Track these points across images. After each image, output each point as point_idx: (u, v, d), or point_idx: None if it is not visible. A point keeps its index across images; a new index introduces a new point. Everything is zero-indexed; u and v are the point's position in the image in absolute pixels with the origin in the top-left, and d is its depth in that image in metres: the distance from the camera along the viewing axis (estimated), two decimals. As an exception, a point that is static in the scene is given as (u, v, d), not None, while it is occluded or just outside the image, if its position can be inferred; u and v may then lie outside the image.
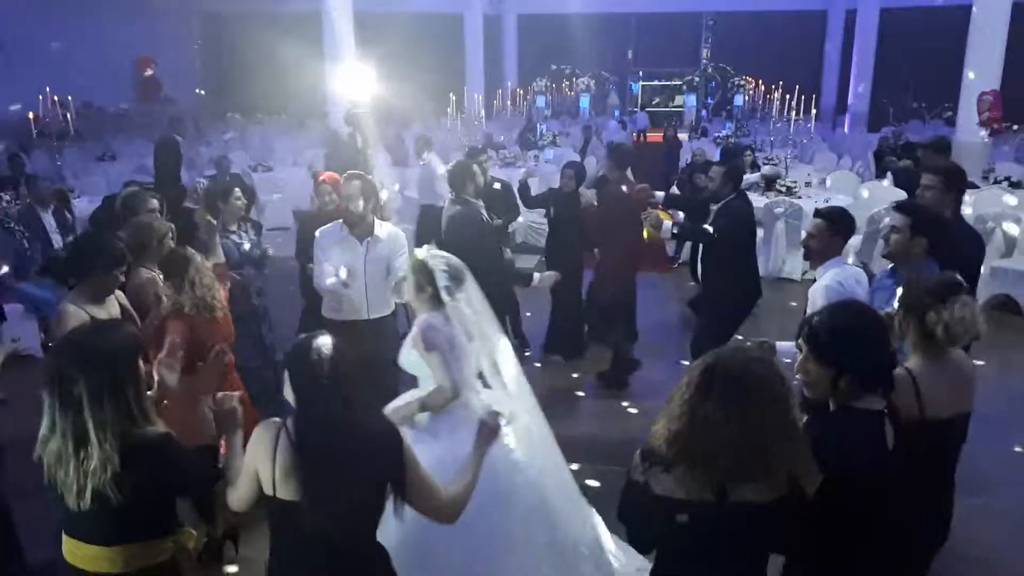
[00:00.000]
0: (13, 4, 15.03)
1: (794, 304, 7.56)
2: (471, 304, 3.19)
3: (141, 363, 2.30)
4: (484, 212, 5.22)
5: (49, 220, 7.26)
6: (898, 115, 18.73)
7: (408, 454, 2.22)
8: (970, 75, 10.51)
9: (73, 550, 2.28)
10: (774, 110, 14.26)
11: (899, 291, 3.20)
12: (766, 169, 10.05)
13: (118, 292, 3.67)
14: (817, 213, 4.08)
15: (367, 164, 6.26)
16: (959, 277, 2.92)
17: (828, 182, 10.82)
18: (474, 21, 18.73)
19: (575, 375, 6.29)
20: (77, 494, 2.14)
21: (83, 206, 8.43)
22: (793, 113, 12.10)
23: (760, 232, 9.32)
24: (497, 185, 6.71)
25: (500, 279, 4.88)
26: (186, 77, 20.36)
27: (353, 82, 5.98)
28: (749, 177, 8.64)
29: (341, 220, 4.51)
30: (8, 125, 13.23)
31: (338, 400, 2.13)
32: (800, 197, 9.32)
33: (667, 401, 2.06)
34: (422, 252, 3.23)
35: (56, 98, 11.82)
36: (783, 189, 9.40)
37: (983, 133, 10.32)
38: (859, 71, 18.73)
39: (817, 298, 3.84)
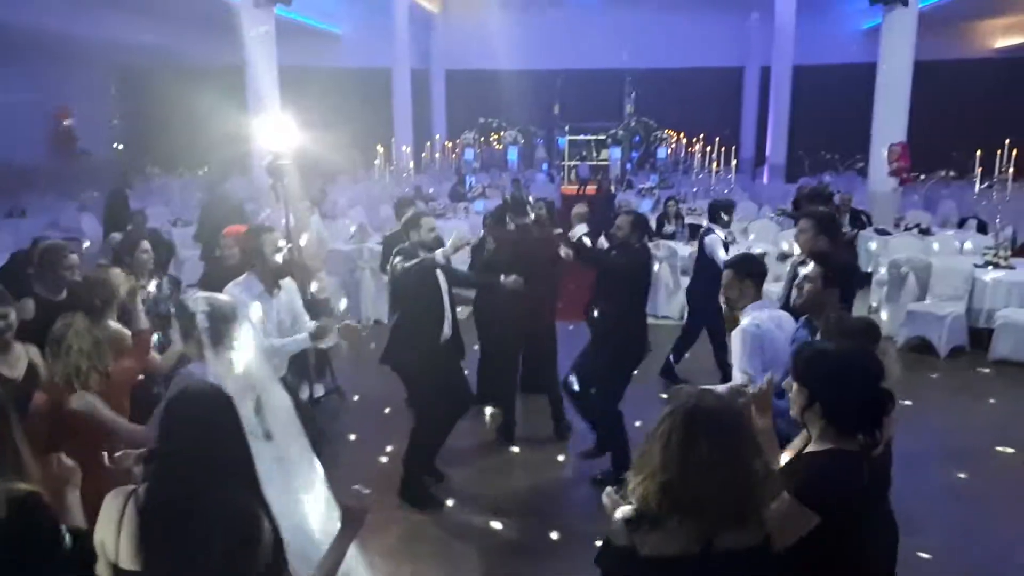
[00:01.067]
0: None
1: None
2: (240, 350, 2.90)
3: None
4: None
5: None
6: (813, 166, 19.53)
7: (265, 548, 1.99)
8: (878, 128, 11.04)
9: None
10: (696, 162, 14.68)
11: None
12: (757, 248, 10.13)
13: (32, 349, 3.46)
14: (725, 265, 4.33)
15: (299, 216, 6.10)
16: (873, 320, 3.00)
17: (750, 232, 11.10)
18: (402, 76, 18.82)
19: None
20: None
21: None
22: (714, 165, 12.45)
23: (686, 280, 9.49)
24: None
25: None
26: (102, 130, 19.81)
27: (275, 133, 5.82)
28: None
29: (251, 274, 4.40)
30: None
31: (200, 469, 1.95)
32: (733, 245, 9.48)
33: (640, 455, 2.04)
34: (189, 296, 3.07)
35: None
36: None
37: (893, 182, 10.78)
38: (775, 125, 19.50)
39: (735, 341, 3.99)
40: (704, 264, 7.10)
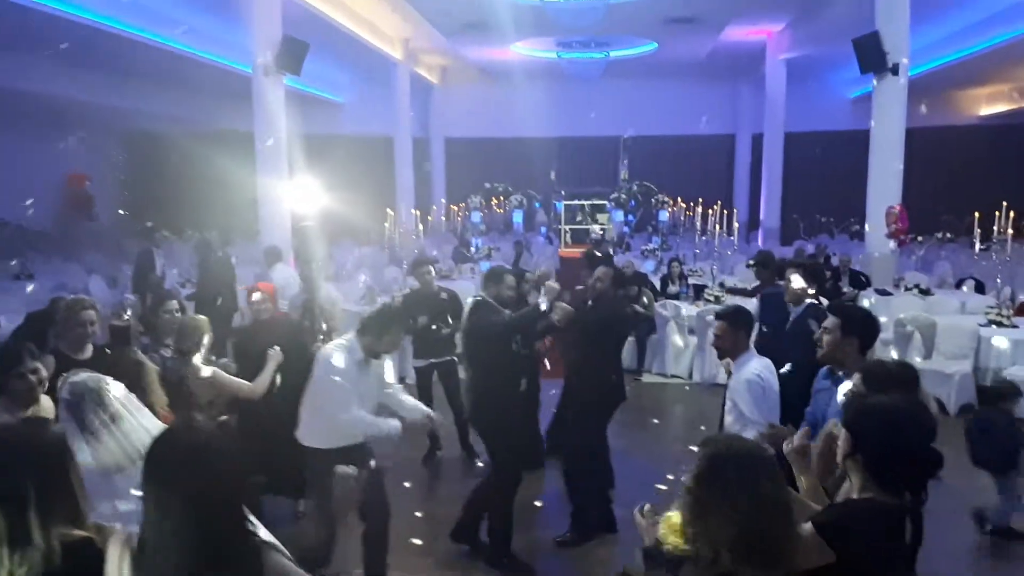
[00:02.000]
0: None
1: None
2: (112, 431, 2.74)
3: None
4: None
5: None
6: (809, 229, 19.91)
7: None
8: (873, 192, 11.32)
9: None
10: (696, 225, 14.95)
11: (841, 389, 3.33)
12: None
13: (46, 402, 3.50)
14: (718, 316, 4.52)
15: (311, 279, 6.20)
16: (911, 365, 3.06)
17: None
18: (404, 143, 19.30)
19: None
20: None
21: (2, 323, 8.03)
22: (717, 227, 12.72)
23: (694, 339, 9.60)
24: (444, 295, 6.76)
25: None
26: (109, 195, 20.05)
27: (300, 197, 5.99)
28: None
29: (350, 341, 4.27)
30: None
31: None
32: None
33: (678, 499, 2.08)
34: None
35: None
36: (711, 299, 9.72)
37: (891, 244, 11.00)
38: (768, 189, 19.94)
39: (742, 391, 4.18)
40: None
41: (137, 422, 2.79)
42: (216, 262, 9.87)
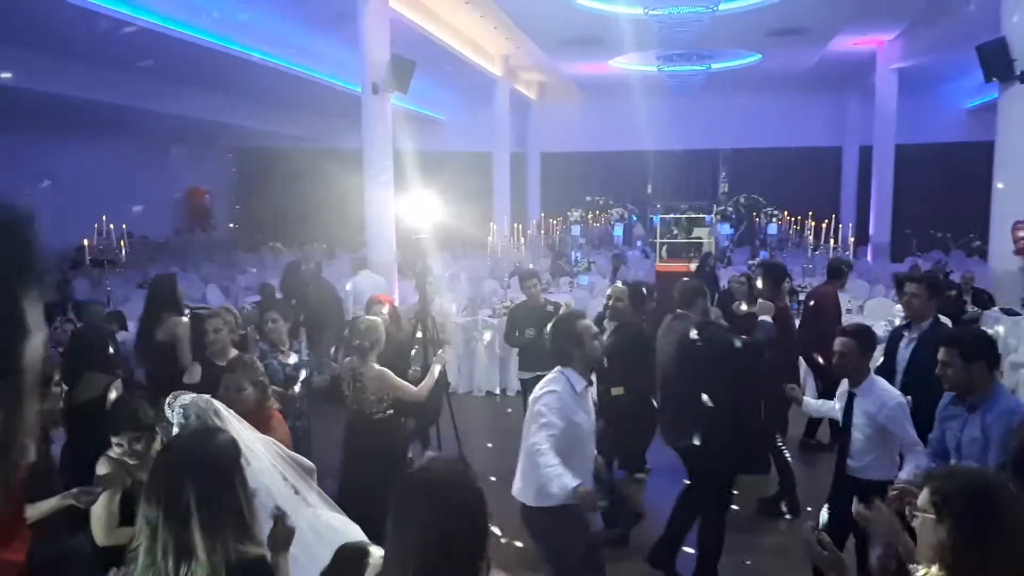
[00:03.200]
0: (67, 140, 15.79)
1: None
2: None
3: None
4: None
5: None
6: (922, 245, 19.00)
7: None
8: (998, 205, 10.71)
9: None
10: (804, 239, 14.52)
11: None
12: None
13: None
14: (843, 332, 4.23)
15: (425, 291, 6.32)
16: None
17: (865, 309, 10.85)
18: (502, 158, 19.61)
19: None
20: None
21: (130, 328, 8.51)
22: (831, 241, 12.31)
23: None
24: (550, 307, 6.77)
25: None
26: (223, 209, 21.06)
27: (410, 211, 6.13)
28: None
29: (573, 367, 3.76)
30: (58, 254, 13.62)
31: None
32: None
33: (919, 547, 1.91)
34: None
35: (111, 226, 12.26)
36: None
37: (1019, 261, 10.37)
38: (878, 203, 19.12)
39: (901, 418, 3.99)
40: None
41: (247, 435, 2.81)
42: (306, 276, 10.27)
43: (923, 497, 1.90)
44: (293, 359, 5.36)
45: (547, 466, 3.41)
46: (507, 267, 12.94)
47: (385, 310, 5.68)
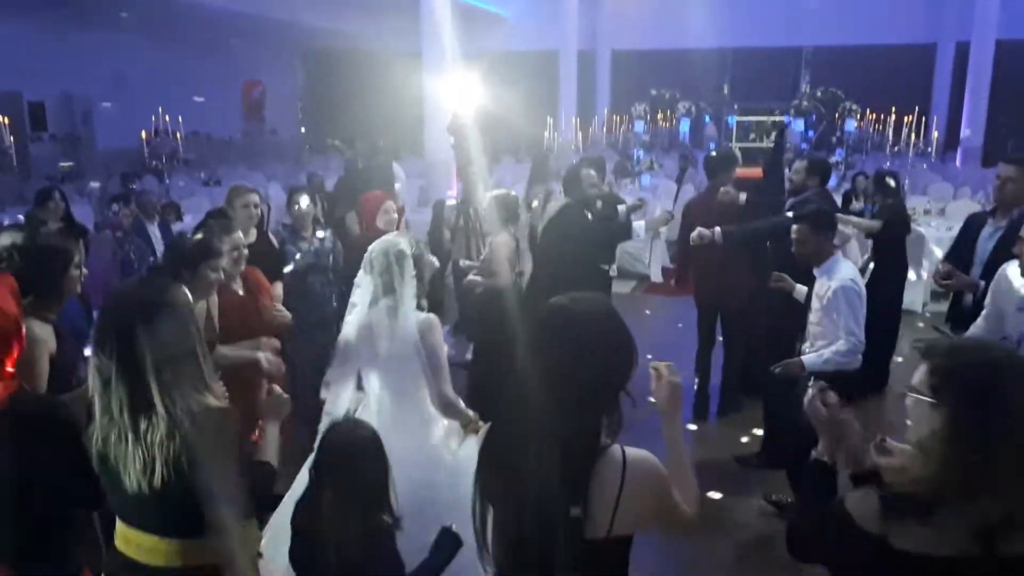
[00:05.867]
0: (132, 39, 15.89)
1: (918, 337, 7.06)
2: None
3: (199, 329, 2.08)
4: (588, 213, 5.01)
5: (155, 231, 7.47)
6: (1016, 150, 17.65)
7: None
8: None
9: (127, 538, 2.03)
10: (887, 138, 13.64)
11: None
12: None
13: (212, 301, 3.59)
14: (796, 218, 4.19)
15: (470, 181, 6.12)
16: None
17: (946, 212, 10.21)
18: (569, 57, 18.91)
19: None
20: (141, 472, 1.88)
21: (188, 222, 8.66)
22: (913, 136, 11.52)
23: (874, 260, 8.84)
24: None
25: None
26: (289, 111, 21.11)
27: (456, 92, 5.90)
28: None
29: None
30: (123, 154, 13.91)
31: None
32: (920, 225, 8.76)
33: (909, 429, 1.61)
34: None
35: (167, 118, 12.38)
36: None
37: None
38: (972, 105, 17.76)
39: (840, 304, 3.84)
40: None
41: None
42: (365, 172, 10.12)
43: (920, 375, 1.60)
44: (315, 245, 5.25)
45: None
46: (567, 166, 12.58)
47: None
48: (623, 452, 1.72)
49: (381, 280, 2.97)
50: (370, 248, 3.06)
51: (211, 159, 15.08)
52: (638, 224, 4.93)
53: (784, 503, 4.46)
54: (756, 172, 14.35)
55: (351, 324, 3.06)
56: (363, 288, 3.03)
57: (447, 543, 2.14)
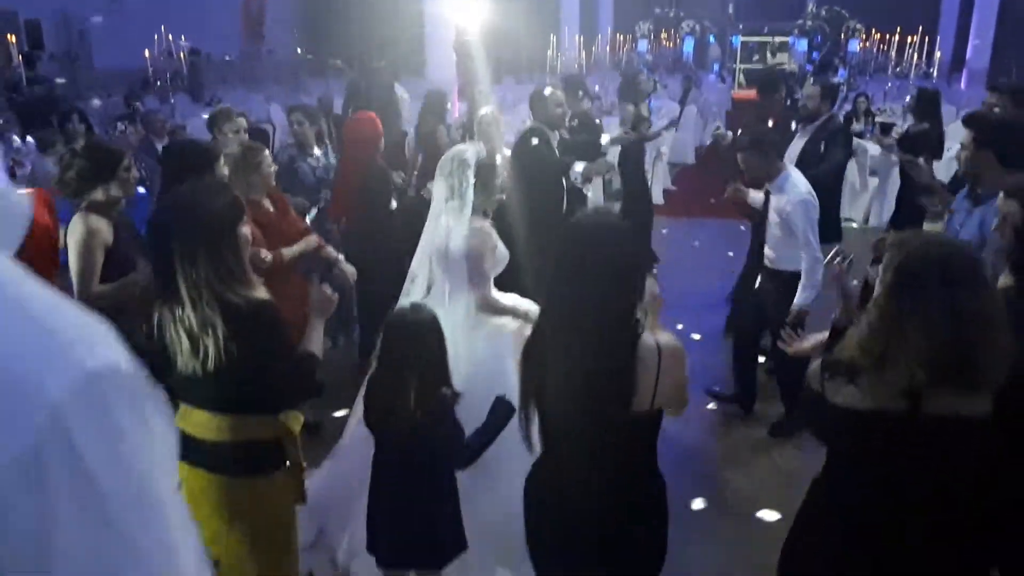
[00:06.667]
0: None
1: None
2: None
3: (245, 231, 2.24)
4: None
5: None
6: (1022, 73, 17.46)
7: None
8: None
9: (184, 414, 2.24)
10: (889, 60, 13.47)
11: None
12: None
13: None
14: (739, 149, 4.29)
15: (473, 98, 6.16)
16: None
17: (947, 133, 10.19)
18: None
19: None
20: (189, 355, 2.10)
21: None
22: (915, 57, 11.42)
23: (875, 181, 8.94)
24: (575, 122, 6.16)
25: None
26: (286, 32, 20.72)
27: (459, 9, 5.89)
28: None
29: None
30: (124, 75, 13.77)
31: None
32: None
33: (864, 312, 1.92)
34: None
35: (169, 37, 12.21)
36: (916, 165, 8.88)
37: None
38: (979, 25, 17.48)
39: (796, 218, 4.03)
40: None
41: None
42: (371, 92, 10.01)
43: (885, 257, 1.91)
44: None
45: None
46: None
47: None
48: (654, 338, 1.99)
49: (447, 184, 3.23)
50: (445, 154, 3.34)
51: (210, 80, 14.93)
52: (577, 166, 4.92)
53: (726, 395, 4.74)
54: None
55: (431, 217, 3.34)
56: (436, 192, 3.31)
57: (501, 410, 2.43)
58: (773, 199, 4.23)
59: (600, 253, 1.93)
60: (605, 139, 5.76)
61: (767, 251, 4.38)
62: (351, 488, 3.11)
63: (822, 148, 5.11)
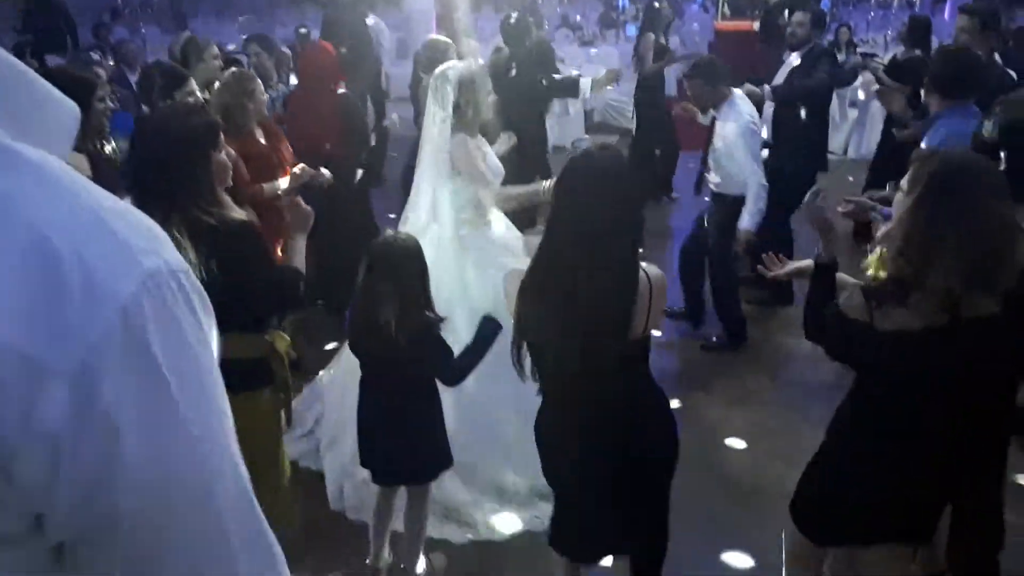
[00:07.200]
0: None
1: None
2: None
3: (220, 155, 2.25)
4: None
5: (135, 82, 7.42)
6: (1007, 8, 17.27)
7: None
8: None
9: None
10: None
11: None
12: None
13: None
14: (687, 76, 4.43)
15: (456, 38, 6.03)
16: None
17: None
18: None
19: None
20: None
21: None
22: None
23: (854, 112, 8.96)
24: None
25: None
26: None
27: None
28: None
29: None
30: (91, 2, 13.34)
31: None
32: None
33: (892, 227, 1.96)
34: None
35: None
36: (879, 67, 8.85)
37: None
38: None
39: (740, 146, 4.13)
40: None
41: None
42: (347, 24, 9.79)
43: (906, 176, 1.93)
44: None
45: None
46: (551, 18, 12.29)
47: None
48: (643, 268, 2.08)
49: (433, 97, 3.30)
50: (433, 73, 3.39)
51: (185, 13, 14.51)
52: (584, 81, 4.94)
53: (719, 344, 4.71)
54: (743, 26, 14.02)
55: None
56: (427, 113, 3.37)
57: (488, 328, 2.51)
58: (718, 125, 4.30)
59: (605, 187, 1.98)
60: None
61: (711, 176, 4.47)
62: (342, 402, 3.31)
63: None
